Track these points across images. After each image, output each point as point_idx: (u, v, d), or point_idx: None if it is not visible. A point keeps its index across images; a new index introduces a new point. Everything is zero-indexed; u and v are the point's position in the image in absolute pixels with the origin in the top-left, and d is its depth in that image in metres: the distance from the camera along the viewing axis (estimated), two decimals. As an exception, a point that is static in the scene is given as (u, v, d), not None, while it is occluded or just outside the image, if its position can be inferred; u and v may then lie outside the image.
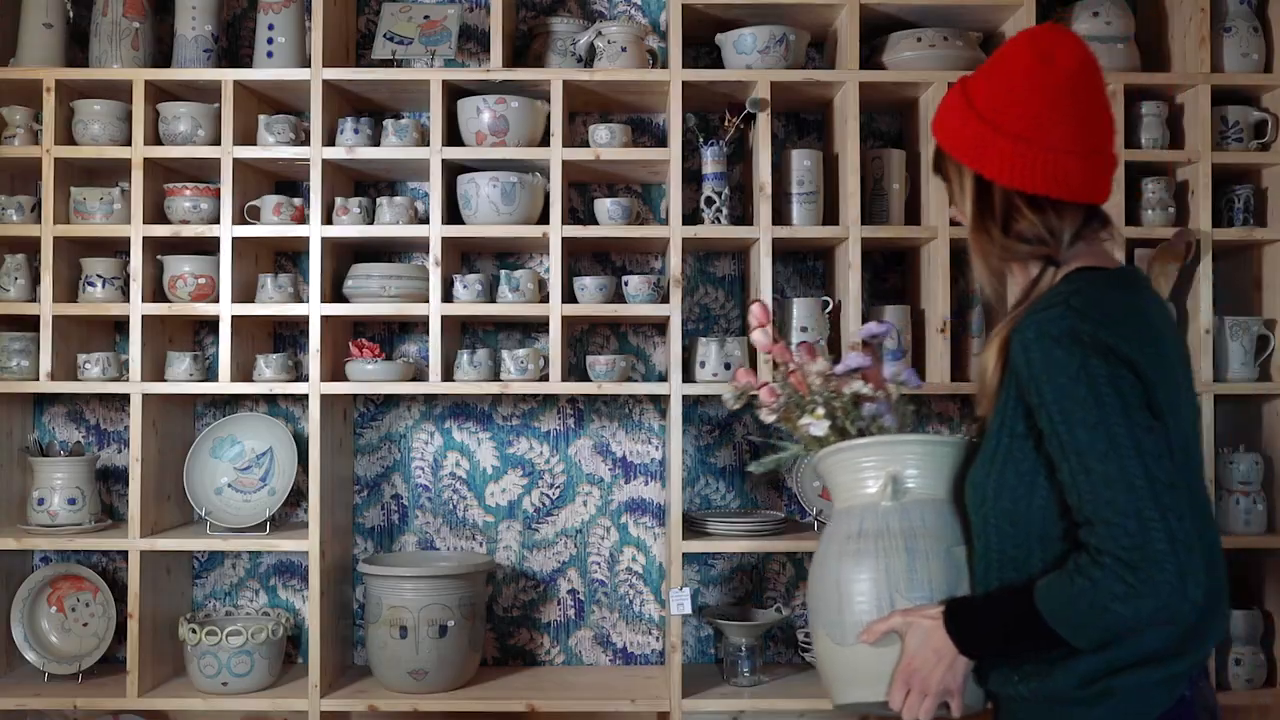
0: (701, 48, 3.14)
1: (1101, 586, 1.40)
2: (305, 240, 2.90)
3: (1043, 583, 1.49)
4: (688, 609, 2.82)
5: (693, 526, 2.95)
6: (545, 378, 2.90)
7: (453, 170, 2.96)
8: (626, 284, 2.91)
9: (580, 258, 3.22)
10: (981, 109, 1.58)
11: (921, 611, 1.59)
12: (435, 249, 2.86)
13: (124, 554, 3.11)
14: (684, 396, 2.85)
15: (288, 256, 3.22)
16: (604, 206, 2.92)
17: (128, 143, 2.90)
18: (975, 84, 1.62)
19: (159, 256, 2.95)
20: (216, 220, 2.89)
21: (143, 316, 2.87)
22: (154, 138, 2.92)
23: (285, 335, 3.22)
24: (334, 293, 2.95)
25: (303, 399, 3.16)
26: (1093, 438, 1.41)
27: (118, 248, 3.07)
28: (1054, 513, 1.51)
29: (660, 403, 3.19)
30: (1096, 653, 1.45)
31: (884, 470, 1.77)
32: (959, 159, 1.62)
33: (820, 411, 1.95)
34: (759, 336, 2.16)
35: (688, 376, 2.90)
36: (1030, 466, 1.53)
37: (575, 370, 3.16)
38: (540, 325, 3.14)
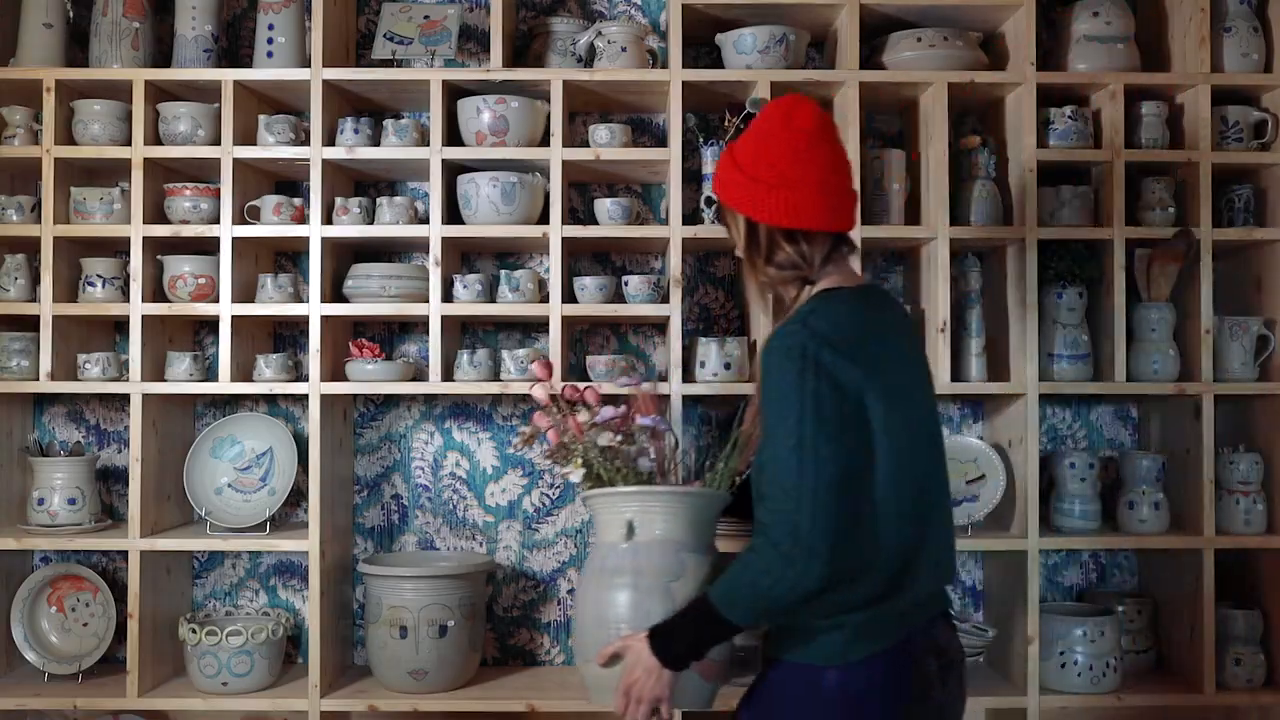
0: (701, 48, 3.14)
1: (754, 564, 1.79)
2: (305, 240, 2.90)
3: (716, 580, 1.88)
4: (688, 609, 2.81)
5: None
6: (545, 378, 2.90)
7: (453, 170, 2.96)
8: (626, 284, 2.91)
9: (580, 258, 3.22)
10: (741, 164, 1.96)
11: (636, 636, 1.95)
12: (435, 249, 2.86)
13: (124, 554, 3.11)
14: (684, 396, 2.85)
15: (288, 256, 3.22)
16: (604, 206, 2.92)
17: (128, 143, 2.90)
18: (740, 147, 1.99)
19: (159, 256, 2.95)
20: (216, 220, 2.90)
21: (143, 316, 2.87)
22: (154, 138, 2.92)
23: (285, 335, 3.22)
24: (334, 293, 2.95)
25: (303, 399, 3.16)
26: (786, 434, 1.77)
27: (118, 248, 3.07)
28: None
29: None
30: (824, 597, 1.78)
31: (621, 516, 2.10)
32: (730, 207, 1.98)
33: (579, 461, 2.26)
34: (538, 392, 2.36)
35: (688, 376, 2.90)
36: None
37: (575, 370, 3.16)
38: (540, 325, 3.14)
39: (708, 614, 1.86)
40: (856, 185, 2.09)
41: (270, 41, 2.92)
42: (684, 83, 2.87)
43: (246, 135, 2.93)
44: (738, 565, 1.83)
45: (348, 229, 2.88)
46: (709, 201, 2.92)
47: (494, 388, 2.86)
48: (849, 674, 1.82)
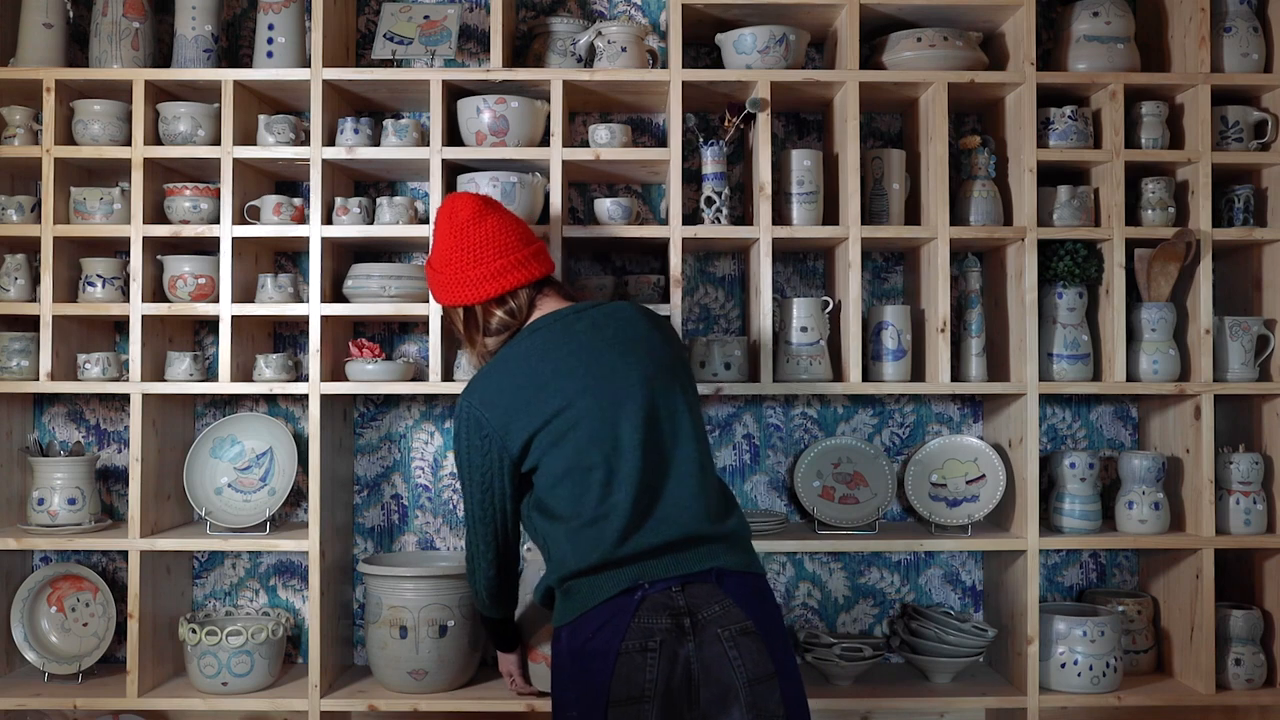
0: (701, 48, 3.14)
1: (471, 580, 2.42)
2: (305, 240, 2.90)
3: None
4: (688, 609, 2.82)
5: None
6: (545, 378, 2.90)
7: (453, 170, 2.96)
8: (626, 284, 2.91)
9: (580, 258, 3.22)
10: (430, 262, 2.39)
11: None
12: (435, 249, 2.85)
13: (124, 554, 3.11)
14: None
15: (288, 256, 3.22)
16: (604, 206, 2.92)
17: (128, 143, 2.90)
18: (430, 255, 2.41)
19: (159, 256, 2.95)
20: (216, 220, 2.90)
21: (143, 316, 2.87)
22: (154, 138, 2.92)
23: (285, 335, 3.22)
24: (334, 293, 2.95)
25: (303, 399, 3.16)
26: (465, 494, 2.29)
27: (118, 248, 3.07)
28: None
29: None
30: (550, 574, 2.18)
31: None
32: (438, 300, 2.39)
33: None
34: None
35: (688, 376, 2.89)
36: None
37: (575, 370, 3.15)
38: (540, 325, 3.14)
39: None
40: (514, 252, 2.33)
41: (270, 41, 2.92)
42: (684, 83, 2.87)
43: (246, 135, 2.93)
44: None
45: (348, 229, 2.88)
46: (709, 201, 2.92)
47: (494, 388, 2.86)
48: (572, 630, 2.10)
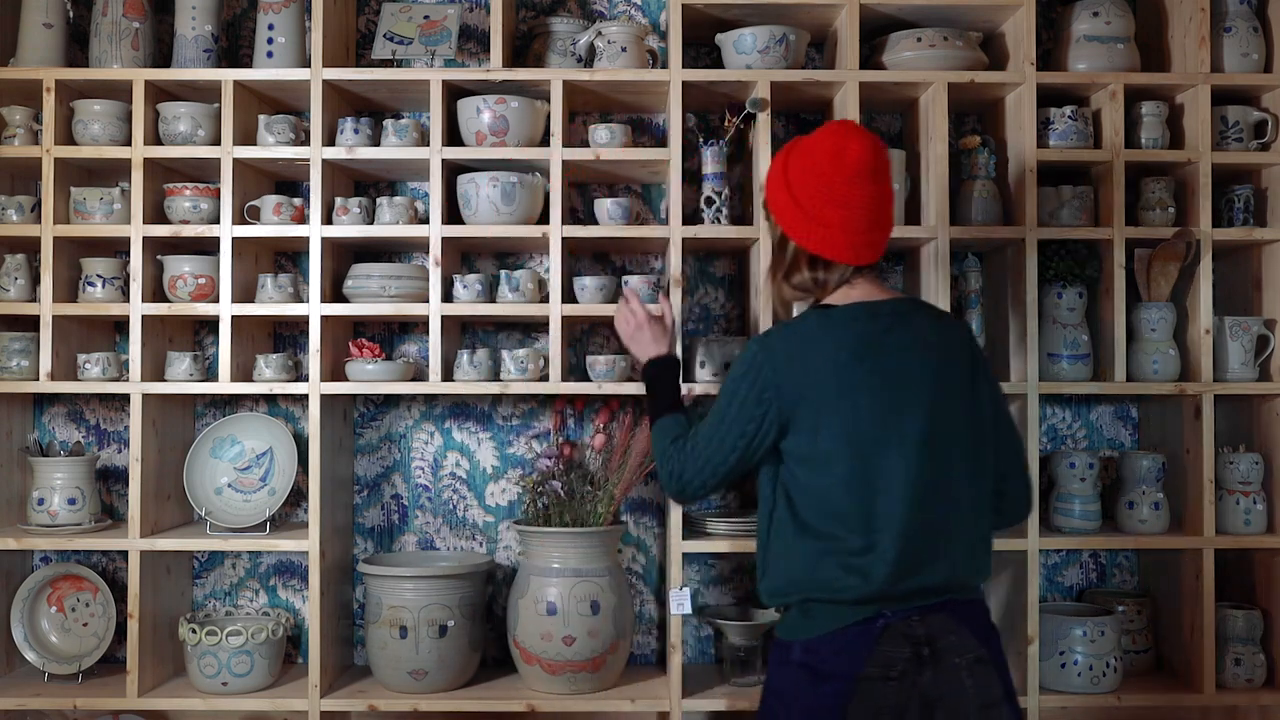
0: (701, 48, 3.14)
1: (666, 450, 2.26)
2: (305, 240, 2.90)
3: (673, 422, 2.34)
4: (688, 609, 2.82)
5: (693, 526, 2.95)
6: (545, 378, 2.91)
7: (453, 170, 2.96)
8: (626, 284, 2.91)
9: (580, 258, 3.22)
10: (791, 182, 2.14)
11: (653, 348, 2.56)
12: (435, 249, 2.86)
13: (124, 554, 3.11)
14: (683, 396, 2.85)
15: (288, 256, 3.22)
16: (604, 206, 2.92)
17: (128, 143, 2.90)
18: (793, 156, 2.16)
19: (159, 256, 2.95)
20: (216, 220, 2.90)
21: (143, 316, 2.87)
22: (154, 138, 2.92)
23: (285, 335, 3.22)
24: (334, 293, 2.95)
25: (303, 399, 3.16)
26: (715, 409, 2.17)
27: (118, 248, 3.07)
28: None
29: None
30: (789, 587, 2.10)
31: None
32: (774, 218, 2.19)
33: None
34: None
35: (688, 376, 2.89)
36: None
37: (575, 370, 3.16)
38: (540, 325, 3.14)
39: (655, 394, 2.47)
40: (894, 214, 2.20)
41: (270, 41, 2.92)
42: (684, 83, 2.87)
43: (246, 135, 2.93)
44: (673, 435, 2.29)
45: (348, 229, 2.88)
46: (709, 201, 2.92)
47: (494, 388, 2.86)
48: (806, 647, 2.05)
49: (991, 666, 2.04)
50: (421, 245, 3.07)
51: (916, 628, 2.02)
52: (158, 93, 2.93)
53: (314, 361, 2.86)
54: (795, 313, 2.26)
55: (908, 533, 2.01)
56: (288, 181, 3.19)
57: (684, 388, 2.84)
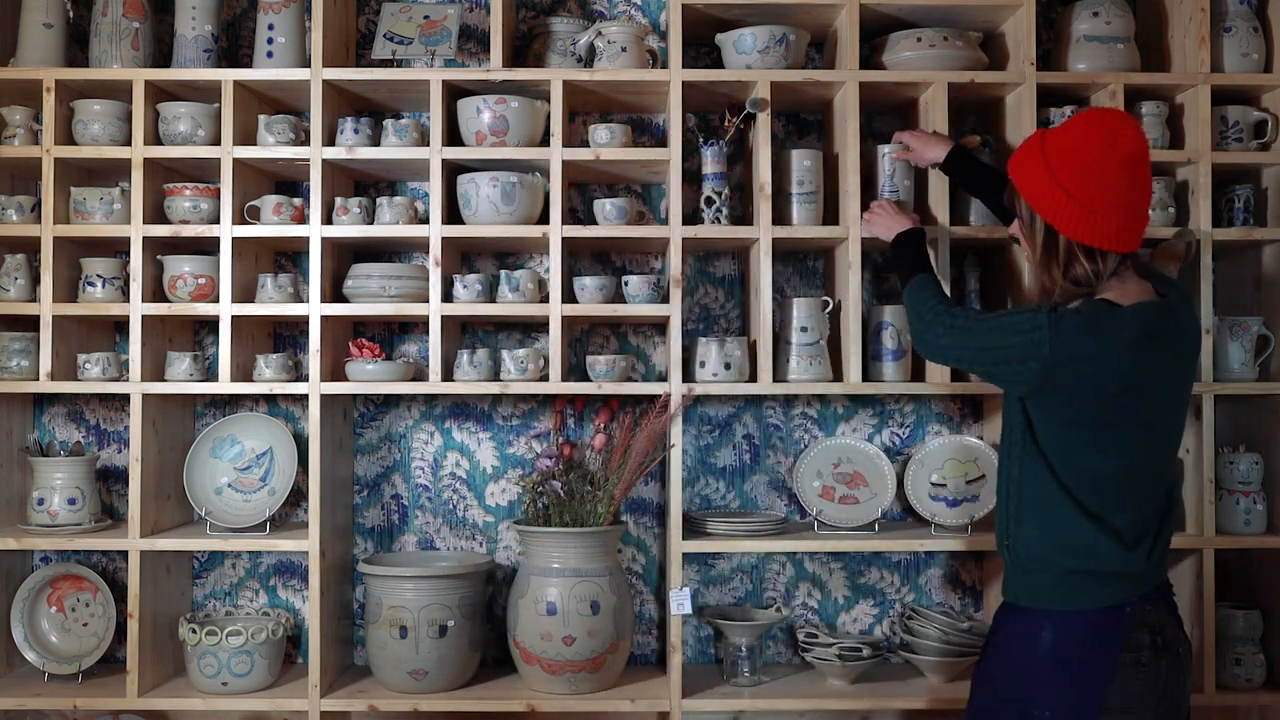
0: (701, 48, 3.14)
1: (929, 310, 2.32)
2: (305, 240, 2.90)
3: (928, 282, 2.42)
4: (688, 609, 2.82)
5: (693, 527, 2.95)
6: (545, 378, 2.91)
7: (453, 170, 2.96)
8: (626, 284, 2.91)
9: (580, 258, 3.22)
10: (1054, 168, 2.10)
11: (900, 223, 2.69)
12: (435, 249, 2.86)
13: (124, 554, 3.11)
14: (683, 396, 2.85)
15: (288, 256, 3.22)
16: (604, 206, 2.92)
17: (128, 143, 2.90)
18: (1053, 147, 2.11)
19: (159, 256, 2.95)
20: (216, 220, 2.90)
21: (143, 316, 2.87)
22: (154, 138, 2.92)
23: (285, 335, 3.22)
24: (334, 293, 2.95)
25: (303, 399, 3.16)
26: (997, 316, 2.19)
27: (118, 248, 3.07)
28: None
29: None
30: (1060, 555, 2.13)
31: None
32: (1035, 209, 2.14)
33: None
34: None
35: (688, 376, 2.90)
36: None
37: (575, 370, 3.16)
38: (540, 325, 3.14)
39: (904, 261, 2.57)
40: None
41: (270, 41, 2.92)
42: (684, 83, 2.87)
43: (246, 135, 2.93)
44: (935, 293, 2.37)
45: (348, 229, 2.88)
46: (709, 201, 2.92)
47: (494, 388, 2.86)
48: (1058, 624, 2.10)
49: (1190, 656, 2.17)
50: (421, 245, 3.07)
51: (1150, 615, 2.10)
52: (158, 93, 2.93)
53: (314, 361, 2.86)
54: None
55: (1163, 531, 2.13)
56: (288, 181, 3.19)
57: (684, 387, 2.85)
